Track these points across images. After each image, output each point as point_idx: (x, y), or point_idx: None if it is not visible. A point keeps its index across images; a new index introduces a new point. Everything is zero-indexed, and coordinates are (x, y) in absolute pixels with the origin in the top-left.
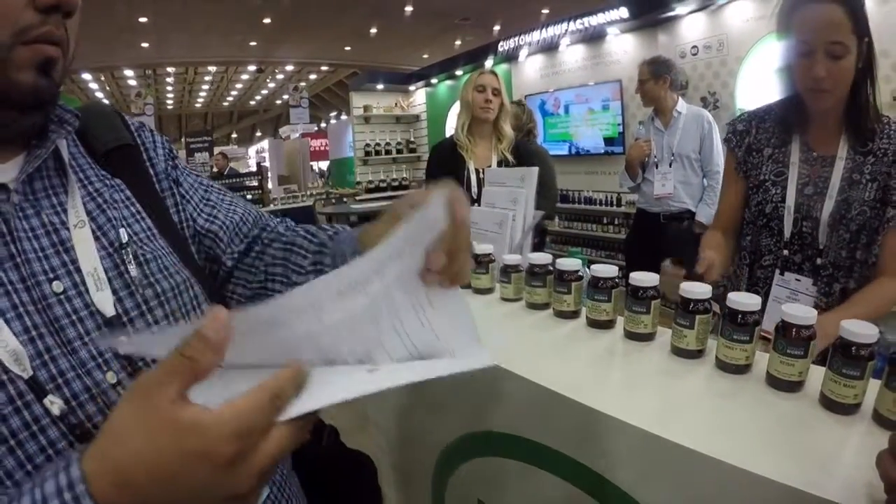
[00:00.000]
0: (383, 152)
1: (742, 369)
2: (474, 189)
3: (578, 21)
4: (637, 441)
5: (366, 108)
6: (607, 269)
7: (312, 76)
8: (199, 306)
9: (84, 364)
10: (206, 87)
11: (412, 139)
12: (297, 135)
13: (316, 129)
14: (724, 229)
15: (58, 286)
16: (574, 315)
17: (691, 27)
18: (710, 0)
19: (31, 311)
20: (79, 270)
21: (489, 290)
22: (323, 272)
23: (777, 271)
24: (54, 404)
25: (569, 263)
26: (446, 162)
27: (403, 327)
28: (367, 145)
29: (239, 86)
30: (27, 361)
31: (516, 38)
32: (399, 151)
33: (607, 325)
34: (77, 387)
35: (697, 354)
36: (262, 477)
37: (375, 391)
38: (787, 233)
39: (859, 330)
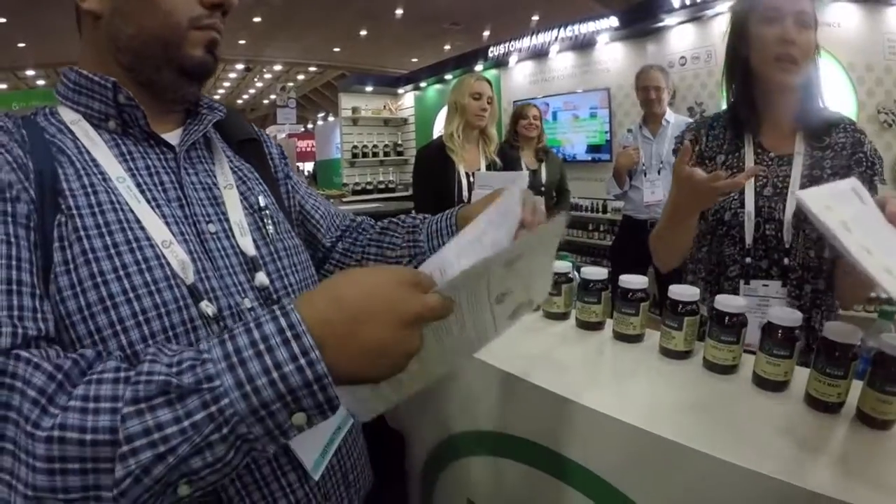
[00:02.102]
0: (370, 154)
1: (729, 370)
2: (465, 192)
3: (568, 28)
4: (627, 437)
5: (354, 109)
6: (597, 272)
7: (300, 76)
8: (310, 268)
9: (228, 288)
10: None
11: (400, 142)
12: (284, 135)
13: (303, 129)
14: None
15: (212, 227)
16: (564, 317)
17: (680, 38)
18: (699, 12)
19: (192, 241)
20: (227, 220)
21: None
22: (417, 246)
23: (742, 281)
24: (209, 307)
25: (558, 266)
26: (434, 164)
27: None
28: (355, 147)
29: (226, 84)
30: (191, 271)
31: (506, 44)
32: (386, 154)
33: (597, 326)
34: (223, 303)
35: (685, 355)
36: (426, 311)
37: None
38: (748, 239)
39: (843, 331)
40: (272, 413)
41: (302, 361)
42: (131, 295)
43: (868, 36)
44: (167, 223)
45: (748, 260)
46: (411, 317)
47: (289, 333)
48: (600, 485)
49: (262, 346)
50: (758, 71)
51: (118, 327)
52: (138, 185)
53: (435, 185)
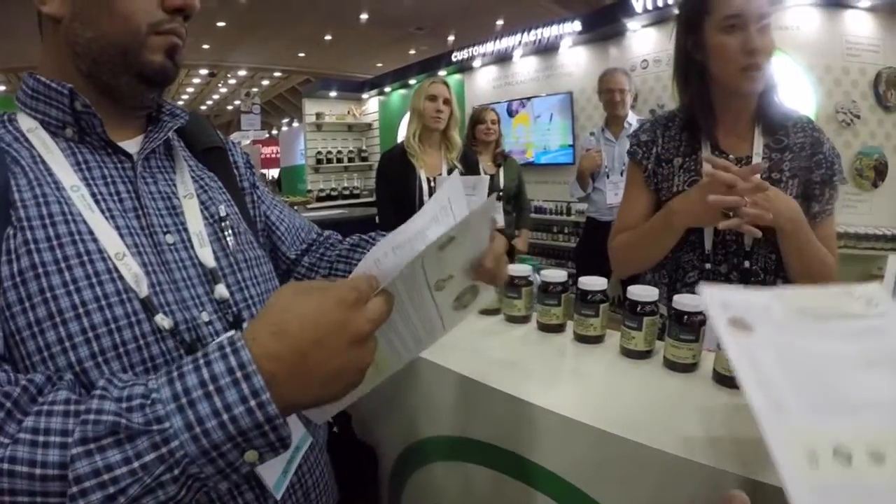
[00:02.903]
0: (335, 160)
1: (689, 368)
2: (426, 197)
3: (532, 32)
4: (590, 439)
5: (318, 115)
6: (557, 274)
7: (265, 82)
8: (273, 279)
9: (185, 301)
10: None
11: (364, 147)
12: (248, 141)
13: (267, 135)
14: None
15: (170, 238)
16: (525, 320)
17: (642, 42)
18: (661, 16)
19: (148, 252)
20: (186, 231)
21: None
22: None
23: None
24: (164, 321)
25: (518, 269)
26: (397, 169)
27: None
28: (319, 153)
29: (190, 90)
30: (145, 284)
31: (470, 49)
32: (350, 160)
33: (557, 328)
34: (179, 317)
35: (646, 355)
36: (372, 325)
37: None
38: (707, 244)
39: None
40: (223, 454)
41: (252, 403)
42: (81, 310)
43: (827, 38)
44: (122, 235)
45: (707, 266)
46: (359, 336)
47: (238, 374)
48: (565, 487)
49: (211, 387)
50: (719, 78)
51: (67, 344)
52: (93, 195)
53: (396, 189)
